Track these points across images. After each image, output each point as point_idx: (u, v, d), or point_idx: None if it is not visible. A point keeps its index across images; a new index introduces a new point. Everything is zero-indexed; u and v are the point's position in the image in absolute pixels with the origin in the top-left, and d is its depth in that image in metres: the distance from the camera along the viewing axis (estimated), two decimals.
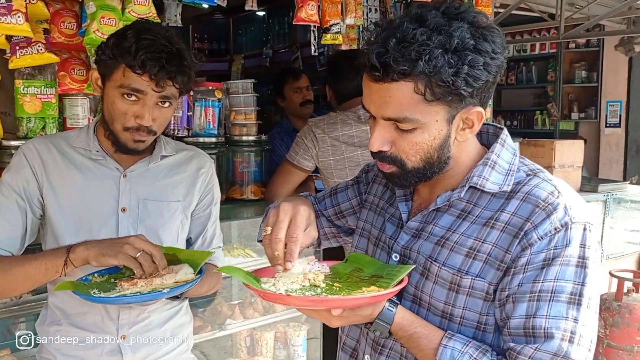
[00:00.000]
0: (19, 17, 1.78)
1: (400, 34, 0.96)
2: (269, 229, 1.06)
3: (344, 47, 3.28)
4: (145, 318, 1.54)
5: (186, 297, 1.62)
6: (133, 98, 1.40)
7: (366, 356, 1.19)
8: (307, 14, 2.75)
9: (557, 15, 4.82)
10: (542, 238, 0.98)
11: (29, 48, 1.93)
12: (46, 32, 2.02)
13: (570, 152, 4.13)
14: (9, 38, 1.89)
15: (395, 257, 1.15)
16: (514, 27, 6.07)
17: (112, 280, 1.32)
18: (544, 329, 0.96)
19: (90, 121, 2.13)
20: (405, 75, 0.97)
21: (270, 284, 1.05)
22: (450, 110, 1.01)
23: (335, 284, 1.06)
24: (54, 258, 1.33)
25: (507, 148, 1.11)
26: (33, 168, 1.47)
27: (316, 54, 3.80)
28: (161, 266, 1.30)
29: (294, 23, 2.71)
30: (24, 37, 1.88)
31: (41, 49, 1.95)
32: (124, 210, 1.50)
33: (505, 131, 1.14)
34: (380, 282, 1.04)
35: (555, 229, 0.98)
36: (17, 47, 1.92)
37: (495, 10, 4.10)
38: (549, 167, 4.01)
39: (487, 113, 3.45)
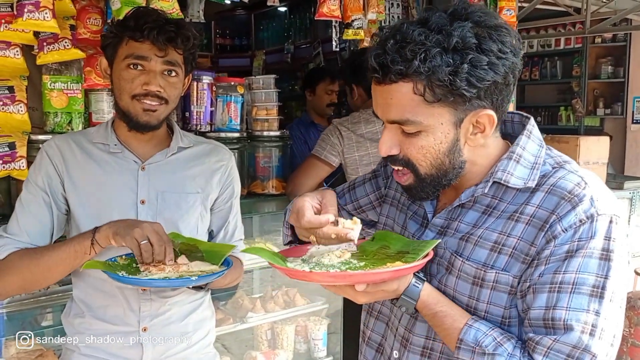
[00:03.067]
0: (46, 13, 1.81)
1: (400, 35, 0.96)
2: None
3: (365, 43, 3.27)
4: (166, 311, 1.55)
5: (209, 289, 1.63)
6: (139, 68, 1.45)
7: (394, 352, 1.17)
8: (329, 9, 2.75)
9: (583, 9, 4.74)
10: (566, 230, 0.97)
11: (55, 44, 1.97)
12: (72, 28, 2.05)
13: (595, 149, 4.06)
14: (36, 34, 1.93)
15: None
16: (538, 22, 5.99)
17: (135, 264, 1.34)
18: (564, 320, 0.95)
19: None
20: (403, 76, 0.96)
21: (297, 264, 1.06)
22: (456, 112, 0.99)
23: (362, 262, 1.06)
24: (82, 240, 1.38)
25: (533, 139, 1.08)
26: (55, 164, 1.50)
27: (337, 49, 3.81)
28: (159, 258, 1.30)
29: (315, 18, 2.72)
30: (51, 33, 1.92)
31: (68, 45, 1.99)
32: (142, 202, 1.52)
33: (532, 121, 1.11)
34: (406, 258, 1.03)
35: (581, 220, 0.96)
36: (45, 43, 1.96)
37: (520, 4, 4.05)
38: None
39: (509, 108, 3.39)
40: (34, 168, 1.53)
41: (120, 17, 2.06)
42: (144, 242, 1.28)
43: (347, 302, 2.78)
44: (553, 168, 1.04)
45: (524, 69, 7.86)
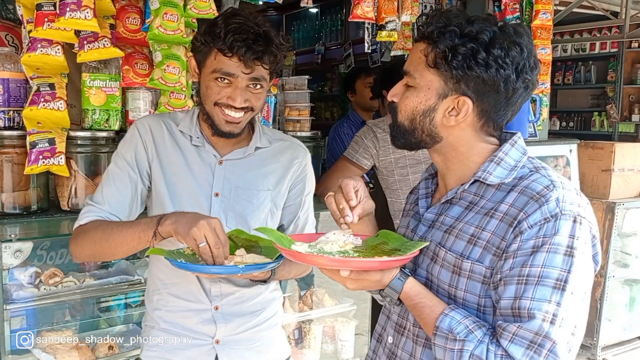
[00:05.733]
0: (87, 12, 1.85)
1: (447, 12, 1.15)
2: (331, 193, 1.23)
3: (398, 44, 3.27)
4: (235, 291, 1.60)
5: (273, 280, 1.64)
6: (225, 82, 1.47)
7: (389, 337, 1.32)
8: (363, 10, 2.75)
9: (622, 13, 4.66)
10: (532, 227, 1.06)
11: (95, 43, 2.01)
12: (112, 27, 2.08)
13: (630, 156, 3.99)
14: (77, 33, 1.97)
15: None
16: (574, 26, 5.89)
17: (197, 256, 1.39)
18: (528, 309, 1.04)
19: (151, 114, 2.20)
20: (422, 37, 1.16)
21: (303, 248, 1.17)
22: (444, 87, 1.15)
23: (357, 253, 1.17)
24: (147, 228, 1.39)
25: (517, 148, 1.20)
26: (144, 142, 1.56)
27: (369, 51, 3.80)
28: (219, 261, 1.32)
29: (349, 20, 2.72)
30: (92, 32, 1.96)
31: (107, 44, 2.02)
32: (217, 195, 1.57)
33: (519, 134, 1.23)
34: (396, 254, 1.15)
35: (545, 219, 1.06)
36: (85, 42, 2.00)
37: (556, 8, 3.99)
38: (608, 170, 3.89)
39: (544, 113, 3.38)
40: (124, 143, 1.58)
41: (159, 17, 2.10)
42: (202, 244, 1.31)
43: (375, 304, 2.77)
44: (530, 171, 1.16)
45: (557, 72, 7.76)
